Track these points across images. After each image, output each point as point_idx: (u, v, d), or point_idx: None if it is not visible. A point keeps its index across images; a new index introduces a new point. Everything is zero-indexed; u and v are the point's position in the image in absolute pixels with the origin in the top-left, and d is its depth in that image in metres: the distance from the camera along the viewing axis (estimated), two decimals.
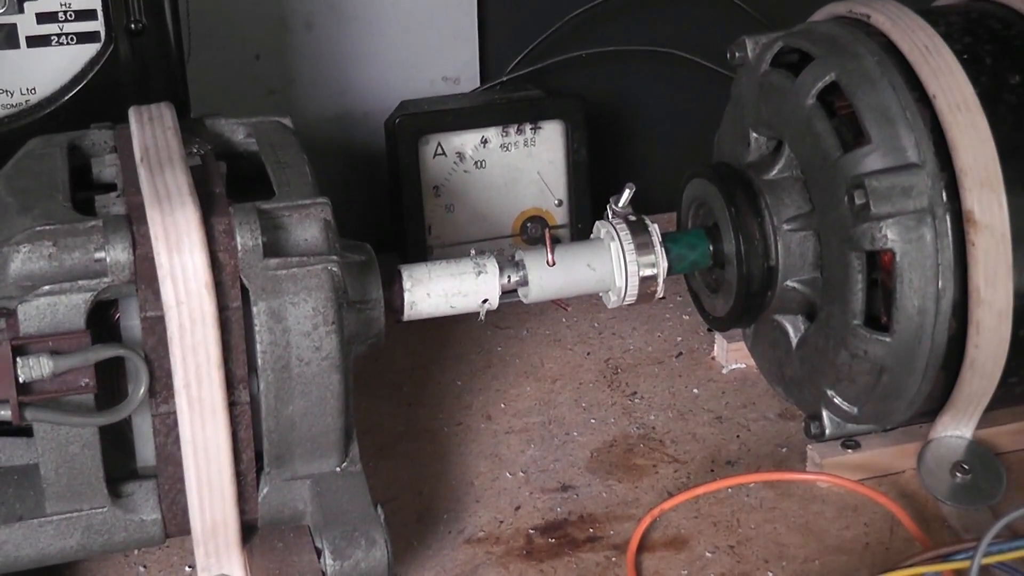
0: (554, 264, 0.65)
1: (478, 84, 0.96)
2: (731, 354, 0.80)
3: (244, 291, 0.53)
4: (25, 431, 0.56)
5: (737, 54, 0.72)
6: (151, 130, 0.59)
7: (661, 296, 0.67)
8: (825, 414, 0.69)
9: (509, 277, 0.64)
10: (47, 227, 0.52)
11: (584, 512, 0.68)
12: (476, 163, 0.90)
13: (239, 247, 0.53)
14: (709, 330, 0.83)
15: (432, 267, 0.63)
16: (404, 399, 0.78)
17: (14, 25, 0.67)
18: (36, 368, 0.51)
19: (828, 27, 0.67)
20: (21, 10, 0.67)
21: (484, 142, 0.90)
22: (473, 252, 0.65)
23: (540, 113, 0.90)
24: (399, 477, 0.71)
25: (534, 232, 0.92)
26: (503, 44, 0.96)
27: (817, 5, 0.71)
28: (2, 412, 0.51)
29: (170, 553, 0.64)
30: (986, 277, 0.59)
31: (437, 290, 0.63)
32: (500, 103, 0.91)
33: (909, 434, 0.70)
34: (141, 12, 0.68)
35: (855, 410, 0.67)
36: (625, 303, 0.67)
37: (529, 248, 0.67)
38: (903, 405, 0.65)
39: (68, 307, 0.51)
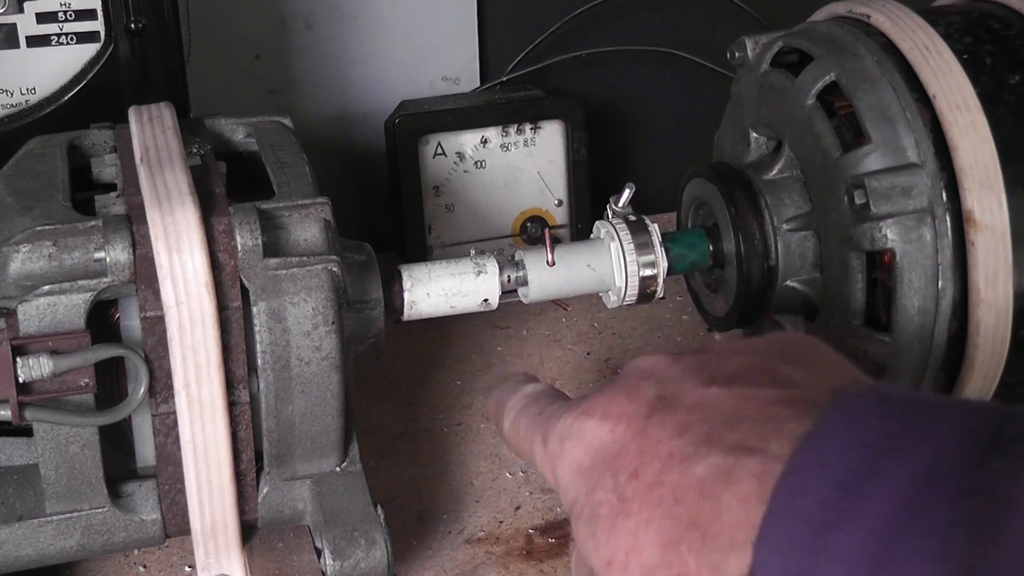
0: (554, 264, 0.65)
1: (478, 84, 0.96)
2: None
3: (244, 291, 0.53)
4: (25, 431, 0.56)
5: (737, 54, 0.72)
6: (151, 130, 0.59)
7: (661, 296, 0.67)
8: None
9: (509, 277, 0.64)
10: (47, 227, 0.52)
11: None
12: (476, 163, 0.90)
13: (239, 247, 0.53)
14: (709, 330, 0.83)
15: (432, 267, 0.63)
16: (404, 399, 0.78)
17: (14, 25, 0.67)
18: (36, 368, 0.51)
19: (828, 27, 0.67)
20: (21, 10, 0.67)
21: (484, 142, 0.90)
22: (473, 252, 0.65)
23: (540, 113, 0.90)
24: (399, 477, 0.71)
25: (534, 232, 0.92)
26: (503, 44, 0.96)
27: (817, 5, 0.71)
28: (2, 412, 0.51)
29: (170, 553, 0.64)
30: (986, 277, 0.59)
31: (437, 290, 0.63)
32: (500, 103, 0.91)
33: None
34: (141, 12, 0.68)
35: None
36: (625, 303, 0.67)
37: (529, 248, 0.67)
38: None
39: (68, 307, 0.51)
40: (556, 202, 0.93)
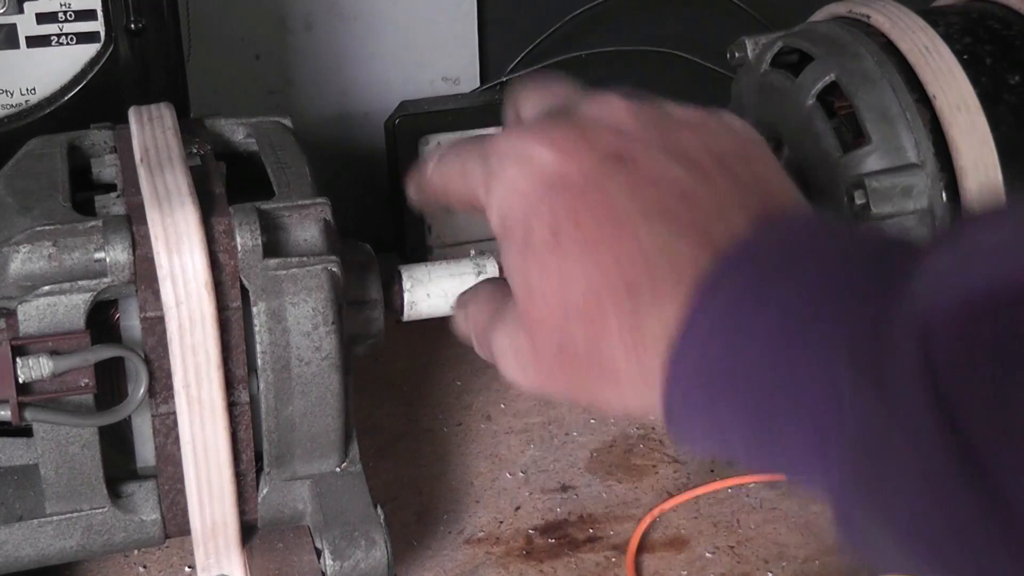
0: None
1: (478, 84, 0.96)
2: None
3: (244, 291, 0.53)
4: (25, 431, 0.56)
5: (737, 54, 0.72)
6: (151, 130, 0.59)
7: None
8: None
9: None
10: (47, 227, 0.52)
11: (584, 512, 0.68)
12: None
13: (239, 247, 0.53)
14: None
15: (432, 267, 0.63)
16: (404, 399, 0.78)
17: (14, 25, 0.67)
18: (36, 368, 0.51)
19: (828, 27, 0.67)
20: (21, 10, 0.67)
21: None
22: (473, 252, 0.65)
23: None
24: (399, 477, 0.71)
25: None
26: (503, 44, 0.96)
27: (817, 5, 0.71)
28: (2, 412, 0.51)
29: (170, 553, 0.64)
30: None
31: (437, 290, 0.63)
32: (500, 103, 0.91)
33: None
34: (141, 12, 0.68)
35: None
36: None
37: None
38: None
39: (68, 307, 0.51)
40: None
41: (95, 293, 0.51)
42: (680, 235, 0.38)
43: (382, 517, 0.56)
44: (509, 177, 0.41)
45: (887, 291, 0.32)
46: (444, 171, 0.46)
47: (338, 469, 0.58)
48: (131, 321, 0.54)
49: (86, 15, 0.67)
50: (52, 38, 0.67)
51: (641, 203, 0.39)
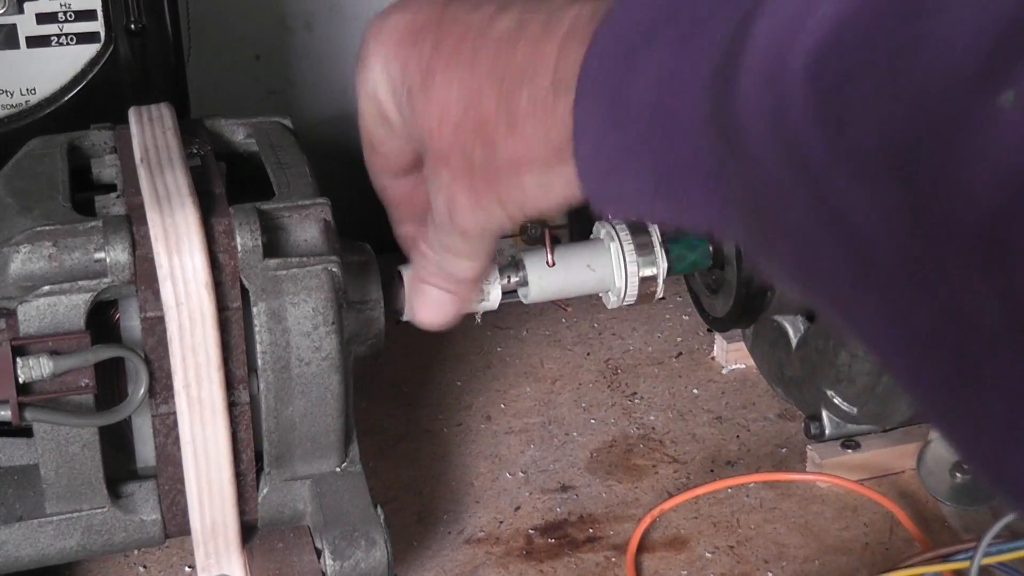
0: (554, 264, 0.65)
1: None
2: (731, 354, 0.80)
3: (244, 291, 0.53)
4: (25, 431, 0.56)
5: None
6: (151, 130, 0.59)
7: (661, 296, 0.67)
8: (825, 414, 0.69)
9: (509, 278, 0.64)
10: (47, 227, 0.52)
11: (584, 512, 0.68)
12: None
13: (239, 247, 0.53)
14: (709, 330, 0.83)
15: None
16: (404, 399, 0.78)
17: (14, 25, 0.67)
18: (36, 368, 0.51)
19: None
20: (21, 10, 0.67)
21: None
22: None
23: None
24: (399, 477, 0.71)
25: (534, 232, 0.92)
26: None
27: None
28: (2, 412, 0.51)
29: (170, 553, 0.64)
30: None
31: None
32: None
33: (909, 434, 0.70)
34: (141, 12, 0.68)
35: (855, 410, 0.67)
36: (625, 303, 0.67)
37: (529, 248, 0.67)
38: (903, 405, 0.65)
39: (68, 307, 0.51)
40: None
41: (95, 293, 0.51)
42: (533, 12, 0.41)
43: (382, 517, 0.56)
44: (374, 51, 0.45)
45: (738, 35, 0.32)
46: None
47: (338, 469, 0.58)
48: (131, 321, 0.54)
49: (86, 15, 0.67)
50: (52, 38, 0.67)
51: (488, 9, 0.42)
